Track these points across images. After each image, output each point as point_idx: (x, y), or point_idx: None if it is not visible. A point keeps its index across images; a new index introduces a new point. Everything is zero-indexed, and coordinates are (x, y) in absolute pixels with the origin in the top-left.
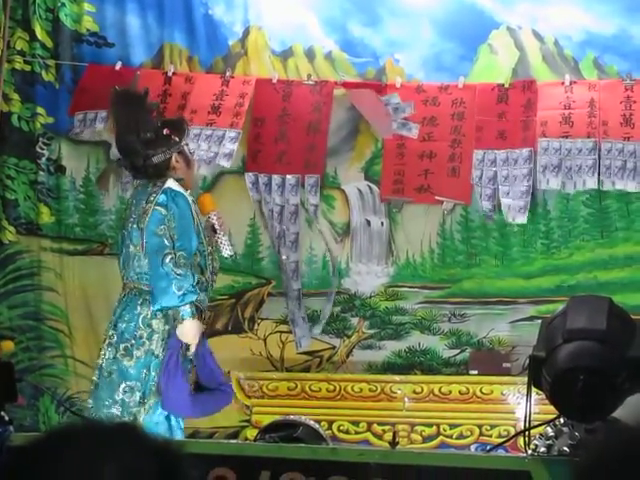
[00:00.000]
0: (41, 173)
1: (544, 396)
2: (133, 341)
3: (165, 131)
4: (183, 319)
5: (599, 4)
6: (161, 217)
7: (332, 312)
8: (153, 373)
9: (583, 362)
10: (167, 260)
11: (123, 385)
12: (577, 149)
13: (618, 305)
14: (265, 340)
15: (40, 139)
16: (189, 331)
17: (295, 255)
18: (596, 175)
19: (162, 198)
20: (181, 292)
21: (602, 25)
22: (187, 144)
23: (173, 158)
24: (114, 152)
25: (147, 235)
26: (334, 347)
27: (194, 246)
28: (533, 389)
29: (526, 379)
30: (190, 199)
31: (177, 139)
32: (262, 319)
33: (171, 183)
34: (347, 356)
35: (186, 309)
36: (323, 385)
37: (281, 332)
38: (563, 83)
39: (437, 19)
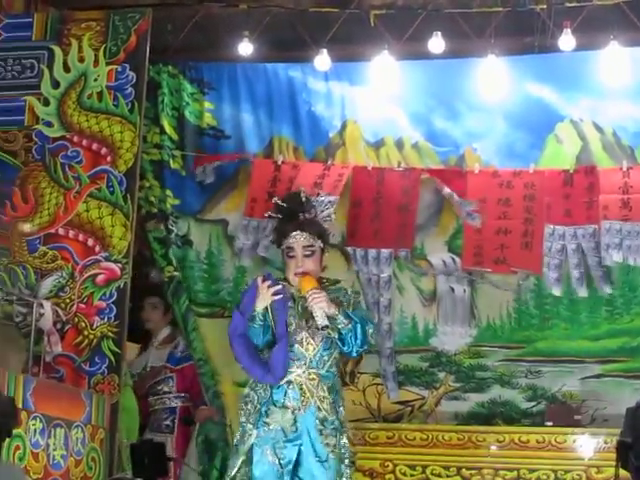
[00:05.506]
0: (172, 246)
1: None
2: None
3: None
4: None
5: None
6: None
7: (421, 367)
8: None
9: None
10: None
11: None
12: (636, 232)
13: None
14: (364, 391)
15: (170, 217)
16: None
17: (388, 318)
18: None
19: None
20: None
21: None
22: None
23: None
24: (230, 229)
25: None
26: (423, 397)
27: None
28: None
29: (595, 430)
30: None
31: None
32: (361, 373)
33: None
34: (435, 405)
35: None
36: (417, 434)
37: (377, 384)
38: (621, 169)
39: (509, 113)
